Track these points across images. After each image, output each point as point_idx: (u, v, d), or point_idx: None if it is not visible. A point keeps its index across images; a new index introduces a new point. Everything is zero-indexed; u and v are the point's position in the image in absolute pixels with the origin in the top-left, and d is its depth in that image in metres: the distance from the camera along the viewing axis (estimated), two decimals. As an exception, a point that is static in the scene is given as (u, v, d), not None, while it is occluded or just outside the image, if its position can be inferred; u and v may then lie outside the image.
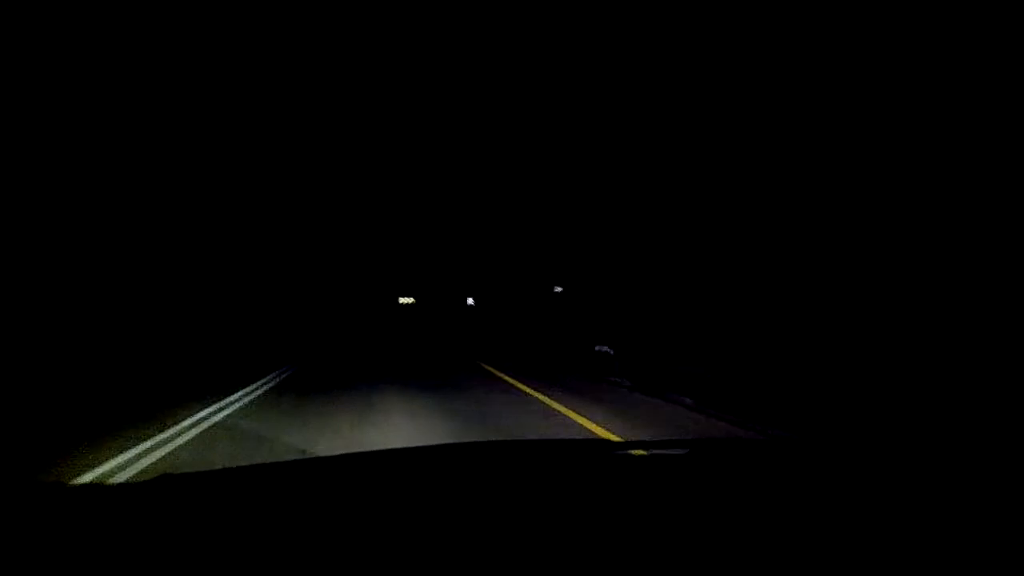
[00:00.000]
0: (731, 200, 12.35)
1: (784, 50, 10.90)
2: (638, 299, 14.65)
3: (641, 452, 1.47)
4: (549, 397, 8.41)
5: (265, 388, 9.20)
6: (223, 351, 15.14)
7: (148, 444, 5.40)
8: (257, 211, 27.32)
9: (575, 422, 6.63)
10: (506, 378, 10.63)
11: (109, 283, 15.16)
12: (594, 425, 6.46)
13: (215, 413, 7.03)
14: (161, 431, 5.90)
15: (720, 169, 12.75)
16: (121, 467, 4.70)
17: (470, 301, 37.09)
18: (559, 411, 7.34)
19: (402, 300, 47.67)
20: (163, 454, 5.13)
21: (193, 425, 6.31)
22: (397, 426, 6.17)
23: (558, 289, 20.90)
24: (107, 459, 4.86)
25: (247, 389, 8.95)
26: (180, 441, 5.61)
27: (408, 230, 38.35)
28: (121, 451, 5.11)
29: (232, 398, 8.13)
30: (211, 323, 19.09)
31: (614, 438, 5.83)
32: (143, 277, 16.85)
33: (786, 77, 10.99)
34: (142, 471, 4.62)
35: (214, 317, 19.81)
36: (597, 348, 11.45)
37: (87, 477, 4.40)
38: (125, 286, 15.79)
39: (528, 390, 9.11)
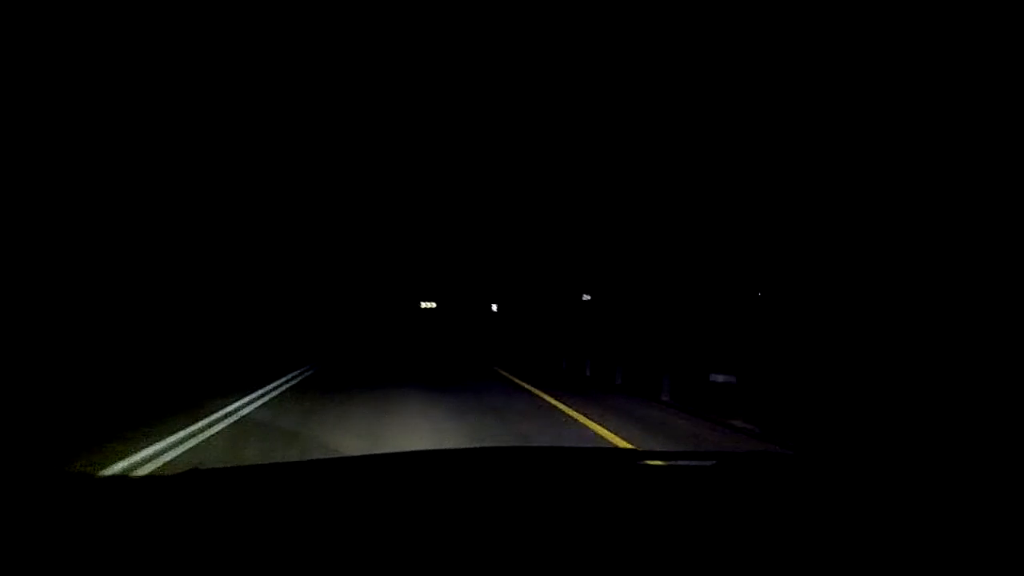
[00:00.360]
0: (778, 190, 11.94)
1: (814, 59, 10.85)
2: (698, 309, 13.23)
3: (659, 463, 1.46)
4: (605, 427, 6.71)
5: (282, 389, 9.52)
6: (246, 351, 15.56)
7: (182, 434, 5.74)
8: (284, 214, 27.90)
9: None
10: (542, 395, 9.10)
11: (145, 287, 15.65)
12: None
13: (239, 409, 7.36)
14: (194, 422, 6.24)
15: (766, 157, 12.47)
16: (157, 454, 5.03)
17: (494, 307, 37.34)
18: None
19: (424, 304, 48.07)
20: (195, 444, 5.46)
21: (219, 420, 6.65)
22: (416, 440, 6.32)
23: (586, 297, 20.87)
24: (141, 448, 5.19)
25: (263, 390, 9.28)
26: (210, 432, 5.95)
27: (432, 235, 38.86)
28: (156, 439, 5.44)
29: (250, 397, 8.46)
30: (235, 324, 19.58)
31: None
32: (175, 282, 17.32)
33: (821, 87, 10.95)
34: (175, 459, 4.93)
35: (238, 318, 20.30)
36: (712, 378, 7.83)
37: (124, 462, 4.72)
38: (158, 290, 16.28)
39: (578, 416, 7.29)
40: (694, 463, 1.47)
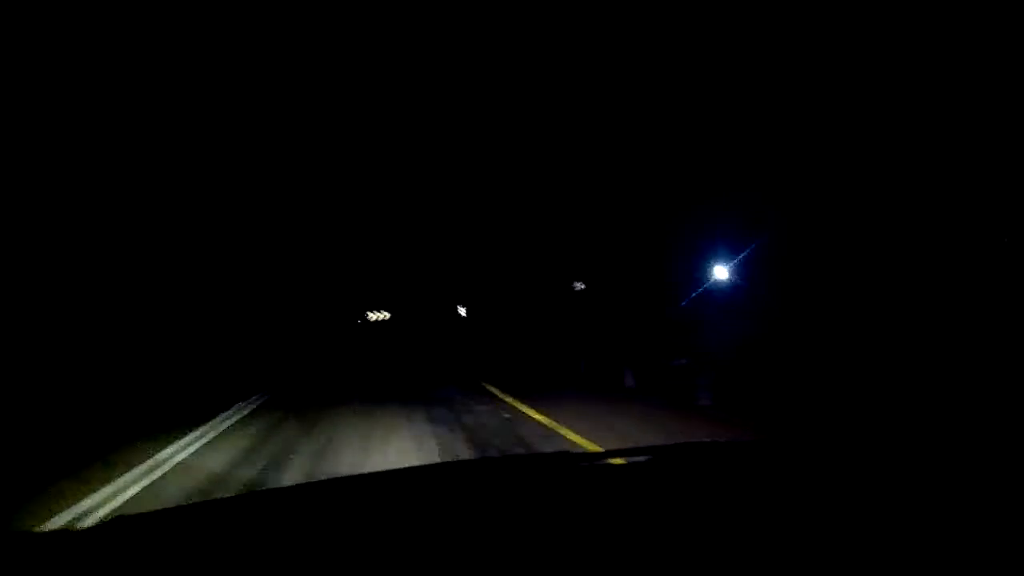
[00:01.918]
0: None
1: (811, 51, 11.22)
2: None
3: (620, 460, 1.62)
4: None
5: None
6: (155, 383, 13.92)
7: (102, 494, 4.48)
8: (212, 216, 26.54)
9: None
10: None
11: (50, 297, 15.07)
12: None
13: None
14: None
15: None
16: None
17: (461, 311, 35.91)
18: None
19: (372, 315, 46.55)
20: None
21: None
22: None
23: (579, 285, 19.45)
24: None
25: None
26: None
27: (380, 232, 37.23)
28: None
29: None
30: (145, 350, 18.10)
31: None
32: (99, 295, 16.82)
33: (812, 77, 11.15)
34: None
35: (142, 343, 18.87)
36: None
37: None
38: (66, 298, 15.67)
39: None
40: (650, 458, 1.65)
